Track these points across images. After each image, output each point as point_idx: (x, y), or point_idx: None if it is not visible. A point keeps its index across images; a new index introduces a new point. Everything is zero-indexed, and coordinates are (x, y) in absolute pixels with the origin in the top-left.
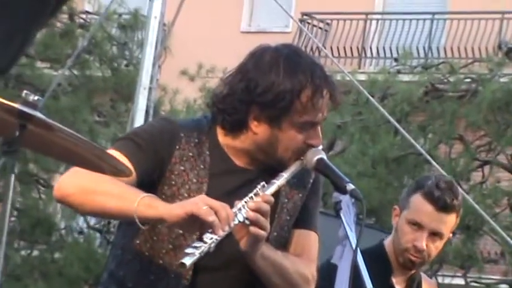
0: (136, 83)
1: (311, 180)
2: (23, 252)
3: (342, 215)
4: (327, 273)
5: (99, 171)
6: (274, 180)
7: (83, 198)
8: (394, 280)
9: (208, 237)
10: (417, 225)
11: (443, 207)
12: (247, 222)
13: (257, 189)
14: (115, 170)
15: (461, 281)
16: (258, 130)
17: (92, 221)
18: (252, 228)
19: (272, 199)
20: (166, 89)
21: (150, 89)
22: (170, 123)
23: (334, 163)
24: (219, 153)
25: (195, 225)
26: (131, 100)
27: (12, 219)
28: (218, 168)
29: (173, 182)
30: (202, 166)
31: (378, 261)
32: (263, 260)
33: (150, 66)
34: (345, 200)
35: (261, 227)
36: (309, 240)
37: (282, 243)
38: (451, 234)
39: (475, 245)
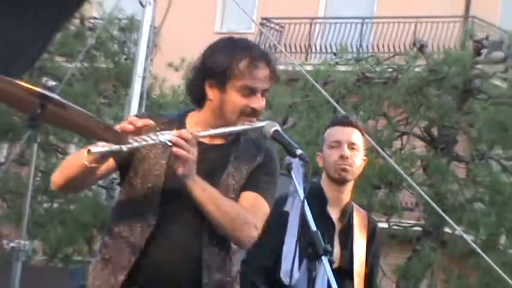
0: (132, 73)
1: (258, 159)
2: (45, 205)
3: (292, 174)
4: (282, 219)
5: (103, 140)
6: (210, 129)
7: (63, 178)
8: (329, 210)
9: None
10: (336, 143)
11: (347, 122)
12: (169, 143)
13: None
14: (114, 139)
15: (385, 225)
16: (212, 96)
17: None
18: (174, 149)
19: (197, 134)
20: (156, 78)
21: (143, 78)
22: (142, 115)
23: (287, 134)
24: None
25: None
26: (129, 86)
27: (38, 179)
28: None
29: (144, 150)
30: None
31: (315, 195)
32: (201, 190)
33: (143, 60)
34: (295, 162)
35: (184, 149)
36: (255, 200)
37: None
38: (365, 158)
39: (396, 197)
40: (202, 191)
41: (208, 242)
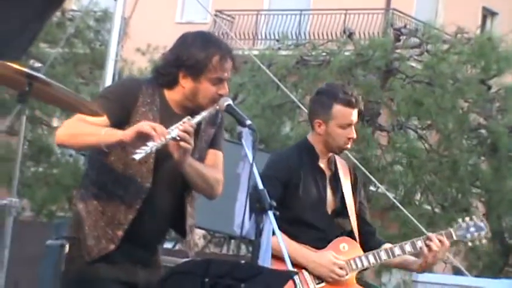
0: (106, 57)
1: (219, 121)
2: (32, 169)
3: (243, 141)
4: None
5: (81, 112)
6: (196, 116)
7: (72, 141)
8: (320, 163)
9: (150, 144)
10: (347, 126)
11: (355, 105)
12: (178, 138)
13: (185, 119)
14: (90, 112)
15: None
16: (185, 85)
17: None
18: (182, 143)
19: (194, 125)
20: (126, 61)
21: (115, 61)
22: (133, 80)
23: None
24: (164, 102)
25: (142, 140)
26: (103, 68)
27: (25, 147)
28: (164, 112)
29: (138, 118)
30: (155, 109)
31: (307, 151)
32: (190, 167)
33: (115, 46)
34: (245, 131)
35: (187, 142)
36: (218, 157)
37: (202, 161)
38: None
39: None
40: (192, 170)
41: (189, 198)
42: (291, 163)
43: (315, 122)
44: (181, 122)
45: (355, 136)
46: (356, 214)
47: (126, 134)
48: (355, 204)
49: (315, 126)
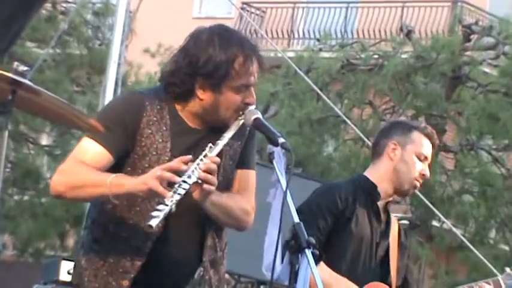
0: (107, 59)
1: (247, 132)
2: (15, 197)
3: (274, 163)
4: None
5: (77, 128)
6: (218, 141)
7: (73, 194)
8: (378, 204)
9: (167, 201)
10: (424, 158)
11: (435, 142)
12: (199, 181)
13: (206, 151)
14: (88, 127)
15: None
16: (203, 96)
17: None
18: (206, 186)
19: (218, 159)
20: (132, 64)
21: (118, 64)
22: (135, 95)
23: (268, 123)
24: (176, 117)
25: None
26: (103, 73)
27: (7, 170)
28: (176, 130)
29: (143, 144)
30: (164, 128)
31: (365, 188)
32: (212, 205)
33: (118, 46)
34: (277, 151)
35: (211, 184)
36: (249, 178)
37: (228, 183)
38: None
39: None
40: (213, 206)
41: (210, 232)
42: (347, 194)
43: (388, 146)
44: (201, 157)
45: (428, 174)
46: (402, 277)
47: (138, 188)
48: (399, 262)
49: (387, 150)
